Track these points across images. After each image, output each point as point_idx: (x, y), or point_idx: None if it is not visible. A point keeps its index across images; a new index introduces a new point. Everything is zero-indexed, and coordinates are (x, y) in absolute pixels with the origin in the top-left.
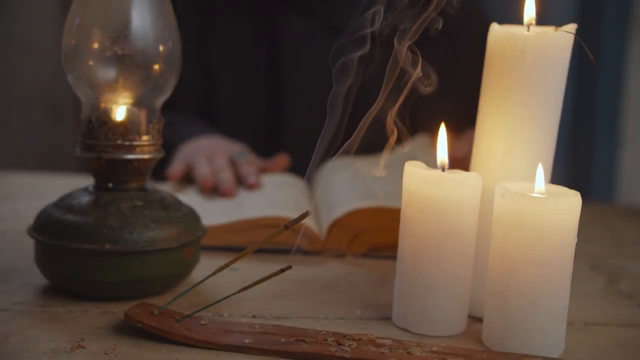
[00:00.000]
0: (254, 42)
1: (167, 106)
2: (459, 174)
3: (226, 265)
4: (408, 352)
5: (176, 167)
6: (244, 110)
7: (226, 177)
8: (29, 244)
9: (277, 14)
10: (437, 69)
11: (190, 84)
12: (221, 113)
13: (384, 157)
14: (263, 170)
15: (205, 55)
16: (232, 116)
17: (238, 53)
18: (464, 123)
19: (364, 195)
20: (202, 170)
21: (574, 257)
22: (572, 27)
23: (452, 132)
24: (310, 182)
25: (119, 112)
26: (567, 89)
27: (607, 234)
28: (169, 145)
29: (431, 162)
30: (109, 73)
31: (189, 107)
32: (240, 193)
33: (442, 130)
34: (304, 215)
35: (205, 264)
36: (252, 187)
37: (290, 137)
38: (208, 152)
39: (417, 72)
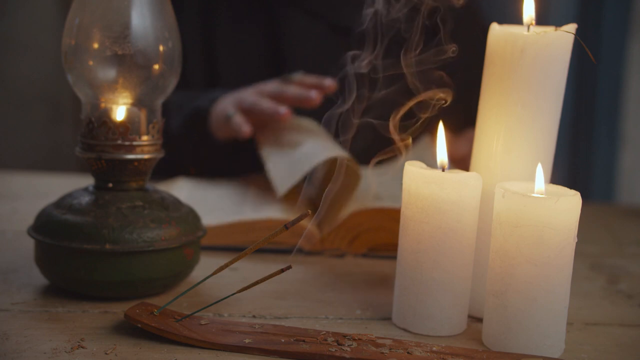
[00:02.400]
0: (257, 40)
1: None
2: (459, 174)
3: (226, 265)
4: (408, 352)
5: (240, 122)
6: None
7: (295, 90)
8: (29, 244)
9: (280, 13)
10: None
11: (194, 83)
12: None
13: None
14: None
15: (208, 53)
16: None
17: (240, 51)
18: (463, 123)
19: (369, 197)
20: (267, 104)
21: (574, 257)
22: (572, 27)
23: (452, 131)
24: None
25: (119, 112)
26: (567, 89)
27: (607, 234)
28: (197, 114)
29: (435, 163)
30: (109, 73)
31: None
32: (243, 190)
33: (441, 130)
34: (304, 215)
35: (205, 264)
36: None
37: None
38: (252, 91)
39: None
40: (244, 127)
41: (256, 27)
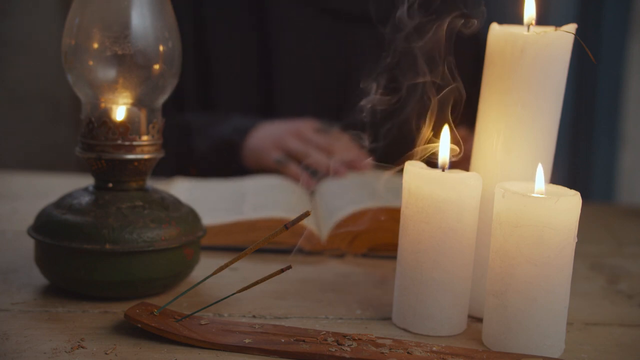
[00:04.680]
0: (246, 27)
1: (177, 107)
2: (459, 174)
3: (226, 265)
4: (408, 352)
5: (301, 174)
6: (237, 98)
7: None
8: (29, 244)
9: (270, 1)
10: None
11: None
12: (216, 97)
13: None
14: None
15: (200, 48)
16: (228, 105)
17: (230, 39)
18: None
19: (369, 196)
20: (317, 156)
21: (574, 257)
22: (572, 27)
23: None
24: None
25: (119, 112)
26: (567, 89)
27: (607, 234)
28: (229, 146)
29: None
30: (109, 73)
31: (189, 98)
32: (240, 189)
33: (445, 130)
34: (304, 215)
35: (205, 264)
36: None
37: (283, 117)
38: (290, 131)
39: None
40: (311, 183)
41: (245, 14)
